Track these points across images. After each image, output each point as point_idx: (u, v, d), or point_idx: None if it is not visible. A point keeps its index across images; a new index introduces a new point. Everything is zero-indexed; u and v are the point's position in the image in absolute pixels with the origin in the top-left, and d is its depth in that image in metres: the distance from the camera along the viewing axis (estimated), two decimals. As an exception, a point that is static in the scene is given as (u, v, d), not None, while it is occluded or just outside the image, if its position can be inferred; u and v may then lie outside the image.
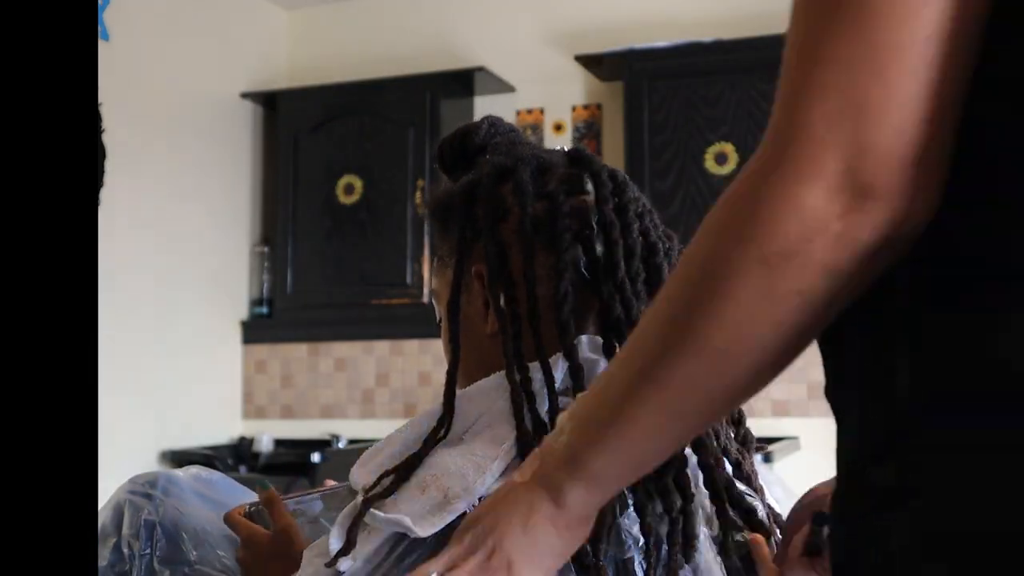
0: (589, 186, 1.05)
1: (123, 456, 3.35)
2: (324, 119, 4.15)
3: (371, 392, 4.23)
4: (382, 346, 4.21)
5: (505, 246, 1.03)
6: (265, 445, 4.11)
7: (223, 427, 4.21)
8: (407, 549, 0.91)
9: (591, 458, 0.75)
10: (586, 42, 3.91)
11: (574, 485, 0.77)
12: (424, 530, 0.89)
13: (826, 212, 0.59)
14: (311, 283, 4.13)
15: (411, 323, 4.09)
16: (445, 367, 1.07)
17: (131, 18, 3.66)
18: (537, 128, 4.09)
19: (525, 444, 0.92)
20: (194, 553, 1.27)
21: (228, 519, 1.24)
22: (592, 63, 3.88)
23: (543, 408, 0.96)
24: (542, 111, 4.11)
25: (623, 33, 3.85)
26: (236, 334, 4.31)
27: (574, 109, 4.06)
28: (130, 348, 3.59)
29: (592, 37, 3.91)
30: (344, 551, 0.90)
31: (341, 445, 4.10)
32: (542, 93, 4.10)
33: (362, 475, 0.97)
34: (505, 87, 4.10)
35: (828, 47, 0.59)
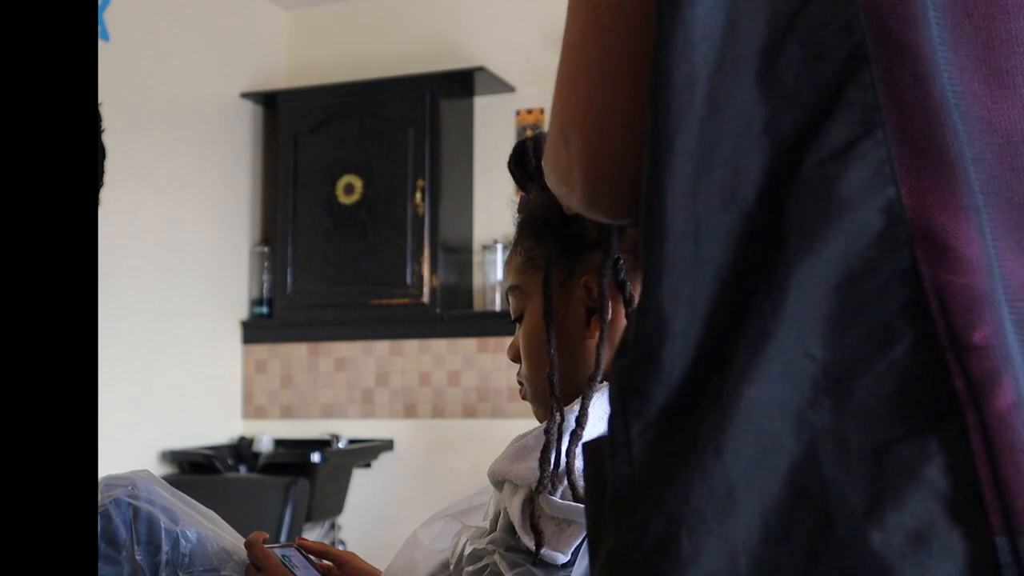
0: None
1: (123, 456, 3.35)
2: (324, 119, 4.15)
3: (371, 392, 4.23)
4: (382, 346, 4.21)
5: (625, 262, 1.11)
6: (265, 445, 4.11)
7: (223, 427, 4.21)
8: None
9: None
10: (586, 42, 3.90)
11: None
12: None
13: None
14: (311, 283, 4.13)
15: (411, 323, 4.09)
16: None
17: (131, 18, 3.66)
18: (537, 128, 4.09)
19: None
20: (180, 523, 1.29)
21: (250, 544, 1.31)
22: (592, 63, 3.87)
23: None
24: (542, 111, 4.11)
25: (623, 33, 3.84)
26: (236, 334, 4.31)
27: (574, 109, 4.06)
28: (130, 348, 3.59)
29: (592, 37, 3.91)
30: (539, 544, 1.01)
31: (341, 445, 4.10)
32: (542, 93, 4.10)
33: (525, 471, 1.07)
34: (505, 87, 4.10)
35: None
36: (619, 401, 0.60)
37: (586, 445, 0.67)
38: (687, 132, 0.58)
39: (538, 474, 1.05)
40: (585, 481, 0.67)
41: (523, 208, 1.23)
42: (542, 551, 1.02)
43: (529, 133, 3.98)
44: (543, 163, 0.77)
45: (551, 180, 0.74)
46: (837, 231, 0.56)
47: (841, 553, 0.54)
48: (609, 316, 1.13)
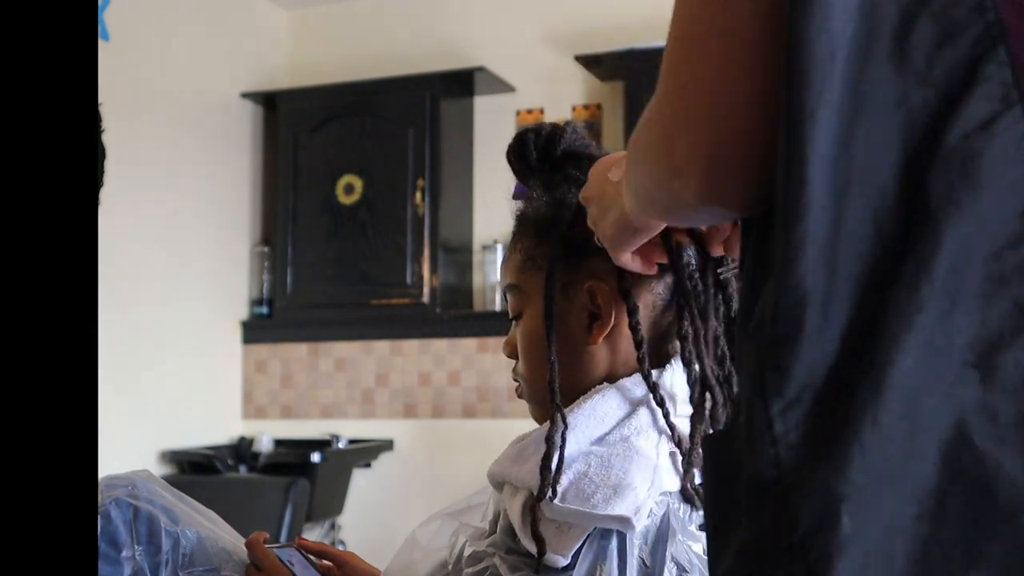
0: None
1: (123, 456, 3.35)
2: (324, 119, 4.15)
3: (371, 392, 4.23)
4: (382, 346, 4.21)
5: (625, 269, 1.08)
6: (265, 445, 4.11)
7: (223, 427, 4.21)
8: (610, 543, 1.00)
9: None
10: (586, 42, 3.90)
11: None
12: (639, 525, 0.99)
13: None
14: (311, 283, 4.13)
15: (411, 323, 4.09)
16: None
17: (131, 18, 3.66)
18: (537, 128, 4.09)
19: (676, 442, 1.06)
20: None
21: (250, 544, 1.30)
22: (592, 63, 3.88)
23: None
24: (542, 111, 4.11)
25: (623, 33, 3.85)
26: (236, 334, 4.31)
27: (574, 109, 4.06)
28: (130, 348, 3.60)
29: (592, 37, 3.91)
30: (541, 552, 0.99)
31: (341, 445, 4.10)
32: (542, 93, 4.10)
33: (526, 473, 1.05)
34: (505, 87, 4.10)
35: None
36: (757, 381, 0.58)
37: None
38: (828, 104, 0.57)
39: (539, 478, 1.04)
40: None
41: (519, 197, 1.19)
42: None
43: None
44: (640, 162, 0.72)
45: (656, 177, 0.70)
46: (984, 203, 0.56)
47: (1011, 522, 0.54)
48: (612, 323, 1.11)
